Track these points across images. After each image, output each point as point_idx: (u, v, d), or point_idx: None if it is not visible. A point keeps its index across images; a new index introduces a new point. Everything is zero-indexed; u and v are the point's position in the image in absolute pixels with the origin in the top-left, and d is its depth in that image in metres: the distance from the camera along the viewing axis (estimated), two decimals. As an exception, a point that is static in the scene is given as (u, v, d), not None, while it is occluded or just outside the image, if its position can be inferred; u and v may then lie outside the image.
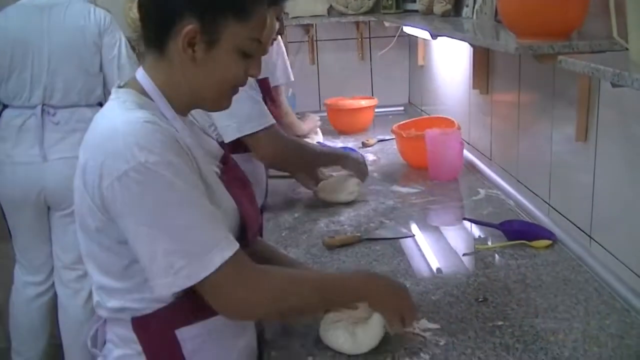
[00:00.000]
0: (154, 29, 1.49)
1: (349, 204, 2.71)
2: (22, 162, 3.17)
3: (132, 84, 1.53)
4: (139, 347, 1.51)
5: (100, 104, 3.35)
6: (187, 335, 1.51)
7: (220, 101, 1.58)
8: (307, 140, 3.61)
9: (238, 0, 1.45)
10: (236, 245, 1.43)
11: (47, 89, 3.14)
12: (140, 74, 1.53)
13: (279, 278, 1.55)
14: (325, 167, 2.76)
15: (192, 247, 1.38)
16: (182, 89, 1.51)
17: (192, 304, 1.47)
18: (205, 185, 1.47)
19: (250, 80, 1.82)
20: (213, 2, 1.44)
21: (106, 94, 3.38)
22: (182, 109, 1.55)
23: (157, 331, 1.50)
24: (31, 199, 3.22)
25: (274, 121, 2.56)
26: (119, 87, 1.55)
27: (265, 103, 2.64)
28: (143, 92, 1.51)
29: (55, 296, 3.44)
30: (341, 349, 1.63)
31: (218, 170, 1.62)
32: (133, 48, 4.27)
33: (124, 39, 3.41)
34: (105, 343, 1.62)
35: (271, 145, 2.53)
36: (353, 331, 1.63)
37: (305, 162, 2.73)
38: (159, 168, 1.35)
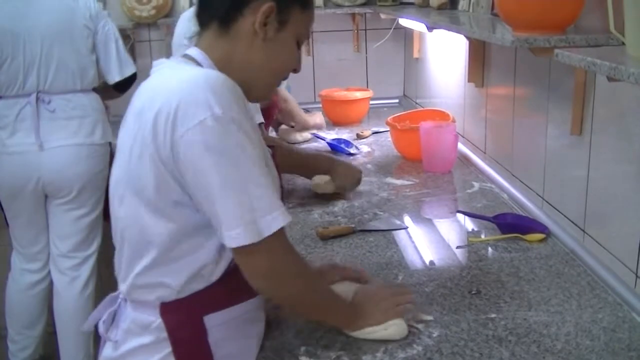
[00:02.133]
0: (227, 4, 1.51)
1: (331, 193, 2.69)
2: (19, 151, 3.16)
3: (183, 57, 1.54)
4: (162, 334, 1.50)
5: (95, 90, 3.35)
6: (215, 322, 1.52)
7: (269, 88, 1.65)
8: (305, 135, 3.62)
9: None
10: (289, 217, 1.44)
11: (41, 74, 3.12)
12: (194, 51, 1.54)
13: (309, 268, 1.62)
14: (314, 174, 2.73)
15: (261, 204, 1.38)
16: (239, 68, 1.53)
17: (222, 290, 1.48)
18: (265, 155, 1.50)
19: None
20: None
21: (99, 78, 3.39)
22: None
23: (186, 317, 1.51)
24: (28, 188, 3.21)
25: (261, 120, 2.56)
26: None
27: None
28: (196, 63, 1.52)
29: (51, 284, 3.43)
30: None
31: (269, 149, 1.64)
32: (128, 37, 4.29)
33: (114, 26, 3.42)
34: (111, 329, 1.61)
35: None
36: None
37: (291, 167, 2.73)
38: (234, 124, 1.36)
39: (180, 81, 1.41)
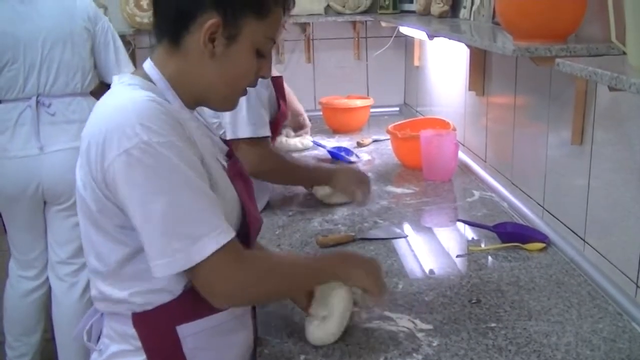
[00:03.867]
0: (172, 21, 1.48)
1: (342, 203, 2.71)
2: (19, 155, 3.15)
3: (138, 72, 1.53)
4: (138, 343, 1.51)
5: (94, 94, 3.36)
6: (188, 332, 1.51)
7: (229, 100, 1.59)
8: (305, 142, 3.62)
9: None
10: (232, 234, 1.42)
11: (41, 77, 3.11)
12: (148, 65, 1.52)
13: (266, 262, 1.56)
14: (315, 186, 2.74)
15: (189, 230, 1.36)
16: (192, 83, 1.51)
17: (194, 299, 1.46)
18: (208, 174, 1.47)
19: (263, 81, 1.83)
20: None
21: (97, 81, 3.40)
22: (189, 104, 1.54)
23: (158, 327, 1.50)
24: (28, 193, 3.20)
25: (269, 134, 2.56)
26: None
27: (279, 101, 2.67)
28: (149, 80, 1.50)
29: (49, 291, 3.43)
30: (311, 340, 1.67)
31: (225, 163, 1.62)
32: (129, 43, 4.29)
33: (112, 26, 3.43)
34: (100, 337, 1.62)
35: (257, 157, 2.51)
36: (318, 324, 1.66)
37: (292, 180, 2.76)
38: (161, 148, 1.34)
39: (113, 109, 1.42)
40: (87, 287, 3.38)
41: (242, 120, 2.47)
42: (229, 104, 1.60)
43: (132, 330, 1.51)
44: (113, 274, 1.48)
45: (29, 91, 3.13)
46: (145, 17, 4.32)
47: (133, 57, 4.37)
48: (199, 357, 1.53)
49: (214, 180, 1.49)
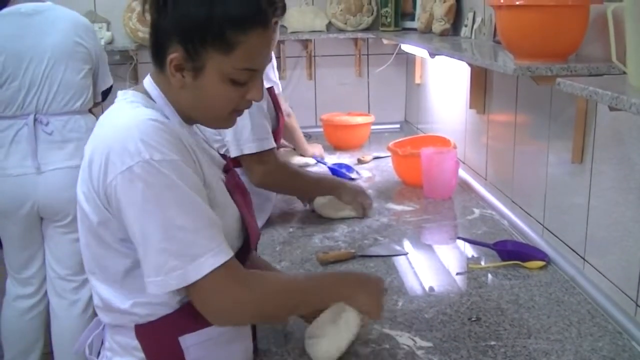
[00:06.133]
0: (153, 48, 1.51)
1: (343, 219, 2.71)
2: (15, 174, 3.14)
3: (139, 88, 1.55)
4: (142, 355, 1.51)
5: (92, 111, 3.36)
6: (191, 342, 1.51)
7: (218, 122, 1.60)
8: (305, 159, 3.63)
9: (218, 32, 1.41)
10: (230, 254, 1.42)
11: (41, 94, 3.11)
12: (148, 82, 1.55)
13: (265, 283, 1.54)
14: (320, 196, 2.78)
15: (186, 249, 1.37)
16: (181, 104, 1.53)
17: (193, 312, 1.46)
18: (209, 189, 1.48)
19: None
20: (195, 32, 1.42)
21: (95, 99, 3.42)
22: (186, 120, 1.56)
23: (161, 338, 1.50)
24: (24, 211, 3.19)
25: (274, 145, 2.57)
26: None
27: (276, 110, 2.68)
28: (149, 97, 1.53)
29: (47, 307, 3.41)
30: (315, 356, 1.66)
31: (223, 178, 1.63)
32: (131, 57, 4.31)
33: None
34: (101, 351, 1.62)
35: (265, 169, 2.54)
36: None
37: (299, 191, 2.79)
38: (162, 166, 1.36)
39: (113, 127, 1.44)
40: (88, 304, 3.37)
41: (247, 137, 2.48)
42: (222, 124, 1.61)
43: (135, 342, 1.51)
44: (116, 285, 1.49)
45: (27, 109, 3.13)
46: (148, 33, 4.34)
47: (135, 72, 4.40)
48: None
49: (215, 197, 1.50)
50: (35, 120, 3.13)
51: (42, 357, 3.49)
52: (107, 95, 3.52)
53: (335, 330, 1.63)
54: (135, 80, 4.41)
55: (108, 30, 4.37)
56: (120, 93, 1.56)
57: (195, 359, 1.52)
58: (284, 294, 1.56)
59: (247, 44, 1.44)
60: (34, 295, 3.40)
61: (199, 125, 1.69)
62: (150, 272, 1.38)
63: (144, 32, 4.35)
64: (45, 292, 3.41)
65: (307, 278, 1.80)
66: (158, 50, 1.49)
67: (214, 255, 1.39)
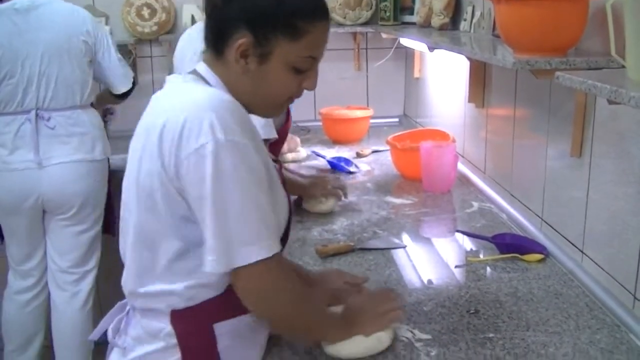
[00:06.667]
0: (214, 34, 1.54)
1: (341, 213, 2.72)
2: (20, 168, 3.15)
3: (192, 74, 1.57)
4: (174, 341, 1.52)
5: (93, 105, 3.36)
6: (224, 330, 1.53)
7: (272, 110, 1.65)
8: (295, 155, 3.64)
9: (289, 20, 1.48)
10: (276, 249, 1.45)
11: (40, 91, 3.11)
12: (203, 68, 1.57)
13: (299, 293, 1.58)
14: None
15: (239, 237, 1.40)
16: (235, 91, 1.54)
17: (232, 298, 1.48)
18: (269, 175, 1.51)
19: None
20: (266, 19, 1.47)
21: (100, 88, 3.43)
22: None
23: (196, 325, 1.52)
24: (27, 205, 3.20)
25: (275, 136, 2.58)
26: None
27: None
28: (205, 81, 1.55)
29: (47, 299, 3.43)
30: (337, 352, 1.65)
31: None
32: (130, 52, 4.30)
33: (111, 37, 3.46)
34: (122, 336, 1.62)
35: None
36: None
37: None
38: (235, 149, 1.39)
39: (187, 102, 1.45)
40: (88, 297, 3.39)
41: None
42: (272, 112, 1.67)
43: (168, 328, 1.52)
44: (162, 268, 1.50)
45: (27, 105, 3.13)
46: (147, 27, 4.33)
47: (134, 66, 4.38)
48: (232, 355, 1.56)
49: (273, 183, 1.54)
50: (37, 115, 3.13)
51: (42, 350, 3.50)
52: (131, 91, 3.52)
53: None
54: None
55: (107, 24, 4.36)
56: (171, 77, 1.59)
57: (226, 346, 1.54)
58: (313, 305, 1.63)
59: (313, 33, 1.52)
60: (34, 287, 3.41)
61: None
62: (212, 250, 1.40)
63: (142, 27, 4.34)
64: (46, 284, 3.42)
65: (328, 309, 1.79)
66: (219, 37, 1.52)
67: (265, 247, 1.43)
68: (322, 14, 1.54)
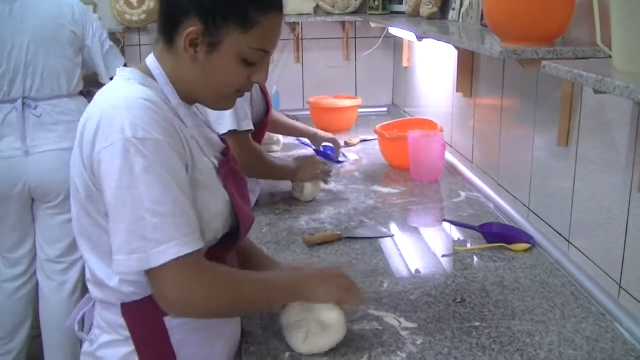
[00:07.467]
0: (165, 21, 1.52)
1: (329, 202, 2.72)
2: (6, 156, 3.13)
3: (140, 67, 1.56)
4: (127, 333, 1.52)
5: (82, 94, 3.34)
6: (175, 324, 1.51)
7: (220, 102, 1.60)
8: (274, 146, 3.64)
9: (241, 10, 1.45)
10: (196, 247, 1.40)
11: (27, 80, 3.09)
12: (151, 60, 1.55)
13: (225, 277, 1.51)
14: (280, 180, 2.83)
15: (150, 233, 1.36)
16: (184, 82, 1.53)
17: None
18: (198, 173, 1.49)
19: None
20: (217, 7, 1.45)
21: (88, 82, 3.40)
22: (187, 100, 1.57)
23: (146, 318, 1.51)
24: (15, 192, 3.19)
25: (251, 127, 2.56)
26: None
27: (265, 100, 2.73)
28: (150, 75, 1.53)
29: (36, 287, 3.42)
30: (297, 348, 1.64)
31: (216, 161, 1.61)
32: (118, 40, 4.28)
33: (100, 25, 3.43)
34: (91, 328, 1.62)
35: (238, 149, 2.51)
36: (310, 331, 1.62)
37: (267, 175, 2.80)
38: (144, 146, 1.36)
39: (107, 101, 1.45)
40: (76, 286, 3.38)
41: (227, 115, 2.47)
42: (222, 105, 1.62)
43: (121, 320, 1.52)
44: (106, 261, 1.48)
45: (14, 94, 3.11)
46: (135, 15, 4.32)
47: (122, 54, 4.36)
48: (187, 348, 1.54)
49: (204, 180, 1.51)
50: (23, 104, 3.12)
51: (31, 339, 3.50)
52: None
53: (324, 323, 1.62)
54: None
55: (95, 12, 4.34)
56: (118, 70, 1.57)
57: (180, 340, 1.53)
58: (248, 288, 1.55)
59: (265, 24, 1.48)
60: (23, 275, 3.40)
61: (199, 107, 1.70)
62: (116, 249, 1.38)
63: (130, 15, 4.32)
64: (34, 272, 3.41)
65: (277, 277, 1.76)
66: (170, 24, 1.50)
67: (177, 245, 1.37)
68: (276, 5, 1.50)
